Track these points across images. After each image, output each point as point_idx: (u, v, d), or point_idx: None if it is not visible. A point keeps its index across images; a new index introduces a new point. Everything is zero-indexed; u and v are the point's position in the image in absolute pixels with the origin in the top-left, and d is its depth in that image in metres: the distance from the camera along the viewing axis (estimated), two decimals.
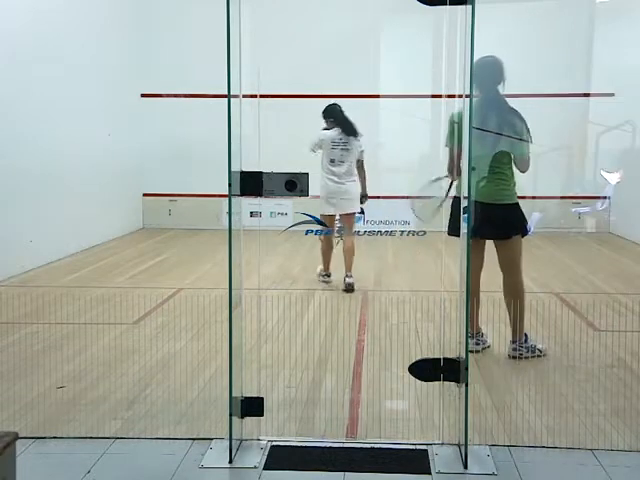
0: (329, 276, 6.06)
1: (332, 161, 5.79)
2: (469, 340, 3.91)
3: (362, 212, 6.40)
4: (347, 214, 5.94)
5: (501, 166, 3.90)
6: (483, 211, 3.66)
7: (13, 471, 1.88)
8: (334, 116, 5.81)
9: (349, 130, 5.78)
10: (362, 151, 5.89)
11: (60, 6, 7.12)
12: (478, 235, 3.80)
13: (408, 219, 8.75)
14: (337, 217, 6.07)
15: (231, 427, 2.72)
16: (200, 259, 7.15)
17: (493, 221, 3.83)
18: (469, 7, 2.54)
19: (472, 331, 3.93)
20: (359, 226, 7.10)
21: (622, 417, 3.12)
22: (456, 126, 3.78)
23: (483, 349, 4.10)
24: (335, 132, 5.79)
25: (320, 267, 6.10)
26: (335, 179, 5.82)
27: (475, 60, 3.88)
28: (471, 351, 3.84)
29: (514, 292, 3.99)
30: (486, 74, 3.75)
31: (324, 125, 5.90)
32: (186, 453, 2.77)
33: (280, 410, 3.19)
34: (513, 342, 4.01)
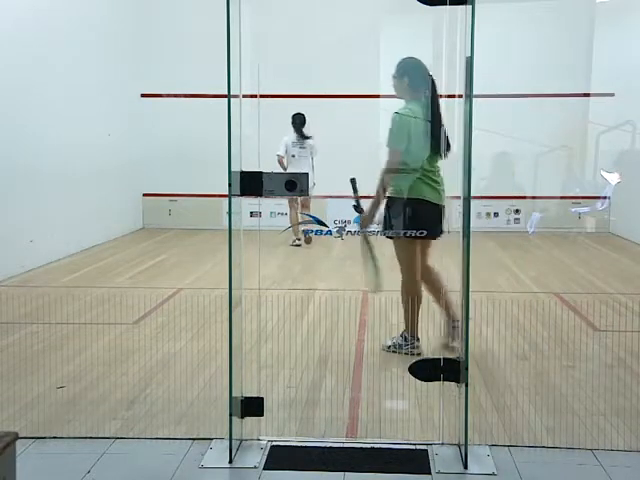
0: (300, 240, 7.62)
1: (293, 156, 7.64)
2: (404, 343, 3.91)
3: (362, 211, 6.50)
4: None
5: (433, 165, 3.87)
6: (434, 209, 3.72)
7: (13, 471, 1.88)
8: (293, 123, 7.71)
9: (298, 131, 7.71)
10: (314, 148, 7.72)
11: (60, 6, 7.13)
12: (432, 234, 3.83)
13: None
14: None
15: (231, 427, 2.72)
16: (200, 259, 7.14)
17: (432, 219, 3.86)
18: (469, 7, 2.54)
19: (412, 333, 3.91)
20: (358, 226, 7.22)
21: (622, 417, 3.12)
22: (413, 122, 3.74)
23: (418, 354, 3.89)
24: (294, 135, 7.71)
25: (293, 237, 7.62)
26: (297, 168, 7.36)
27: (408, 60, 3.91)
28: (406, 353, 3.84)
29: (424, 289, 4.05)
30: (425, 74, 3.77)
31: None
32: (186, 453, 2.77)
33: (280, 410, 3.19)
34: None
